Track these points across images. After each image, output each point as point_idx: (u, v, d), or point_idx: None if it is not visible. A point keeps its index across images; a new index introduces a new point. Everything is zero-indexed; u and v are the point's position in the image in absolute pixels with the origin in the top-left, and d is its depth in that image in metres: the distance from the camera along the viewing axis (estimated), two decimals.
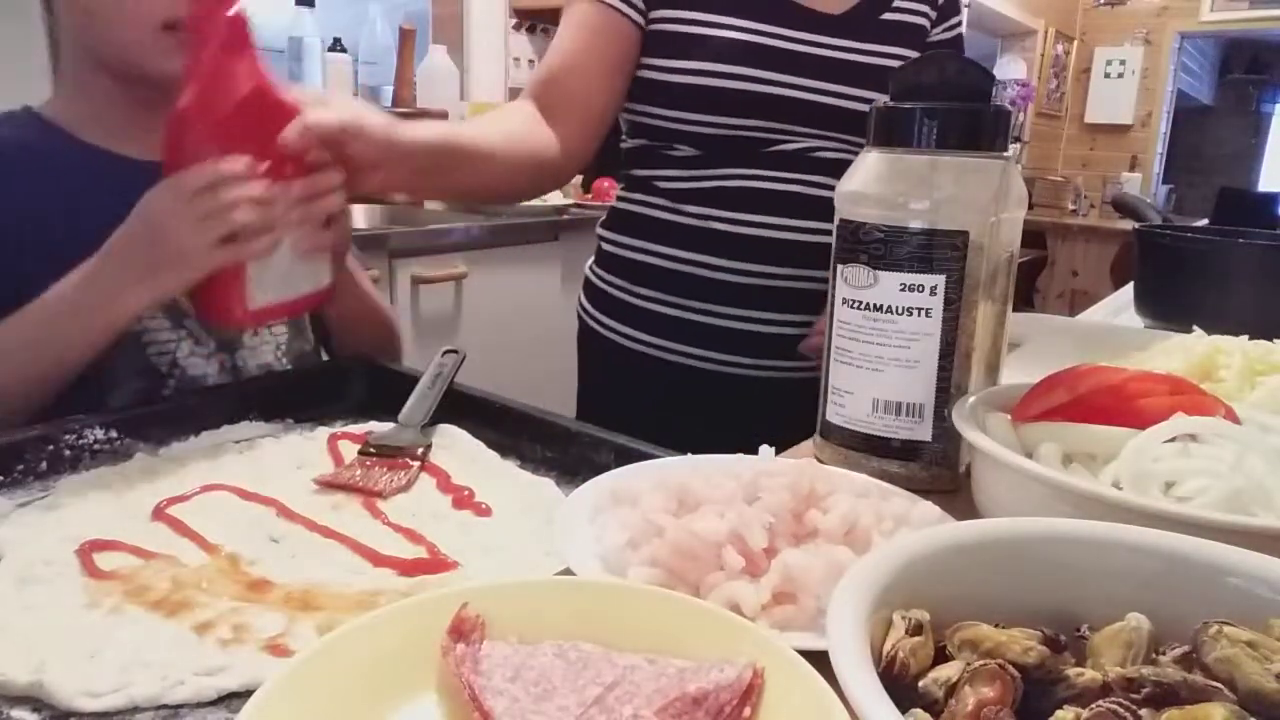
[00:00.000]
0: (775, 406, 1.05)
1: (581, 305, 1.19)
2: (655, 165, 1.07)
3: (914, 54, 1.04)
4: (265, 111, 0.71)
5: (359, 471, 0.67)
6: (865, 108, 1.00)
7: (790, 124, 1.00)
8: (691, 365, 1.07)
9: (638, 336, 1.10)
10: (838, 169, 1.01)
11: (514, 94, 2.99)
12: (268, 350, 0.91)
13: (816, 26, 1.00)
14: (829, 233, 1.02)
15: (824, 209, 1.01)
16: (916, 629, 0.33)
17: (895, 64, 1.02)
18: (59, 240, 0.77)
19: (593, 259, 1.18)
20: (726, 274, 1.03)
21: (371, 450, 0.70)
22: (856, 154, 1.01)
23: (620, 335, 1.11)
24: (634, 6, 1.01)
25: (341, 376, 0.85)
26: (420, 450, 0.70)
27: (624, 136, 1.13)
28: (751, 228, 1.02)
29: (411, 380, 0.80)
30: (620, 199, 1.14)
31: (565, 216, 2.36)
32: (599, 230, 1.17)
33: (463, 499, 0.64)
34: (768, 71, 0.98)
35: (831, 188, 1.01)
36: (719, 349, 1.06)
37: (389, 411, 0.77)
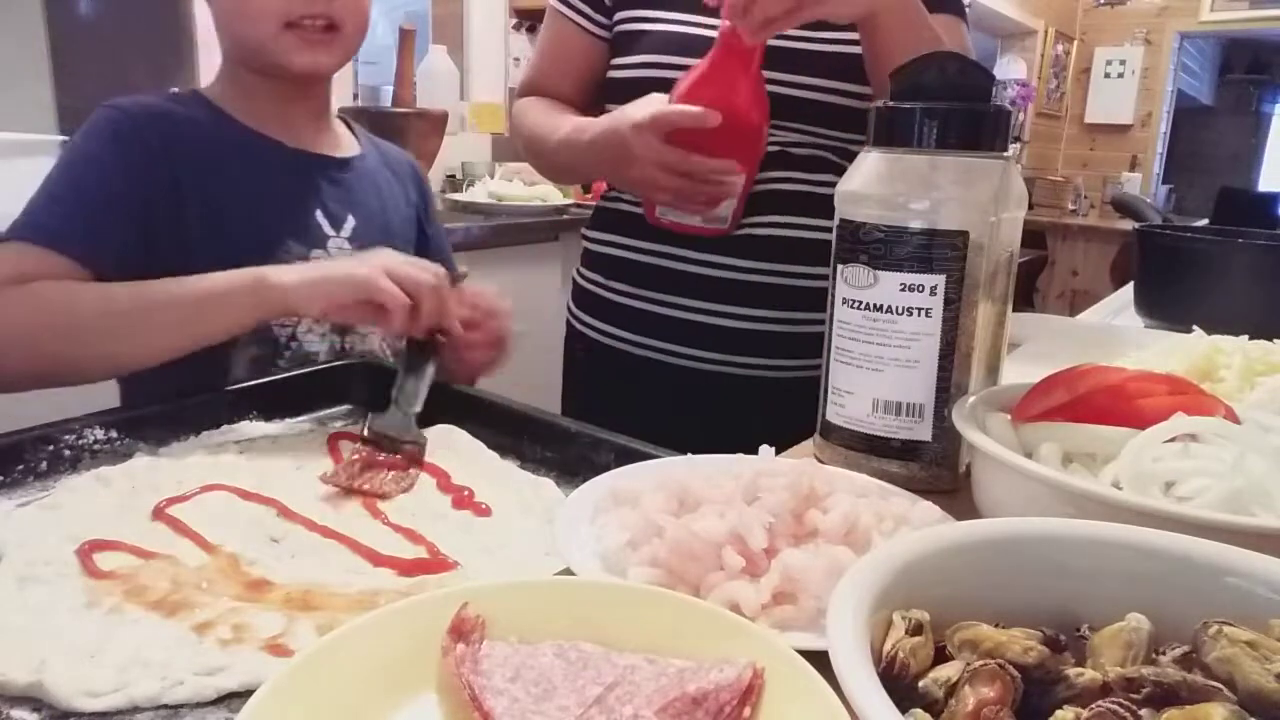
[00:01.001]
0: (750, 403, 1.05)
1: (568, 307, 1.20)
2: None
3: None
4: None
5: (359, 469, 0.66)
6: (822, 96, 1.00)
7: None
8: (664, 361, 1.07)
9: (614, 332, 1.10)
10: (804, 163, 1.01)
11: (514, 94, 2.99)
12: (374, 339, 0.97)
13: None
14: (797, 226, 1.02)
15: (789, 203, 1.00)
16: (916, 629, 0.33)
17: (855, 48, 0.98)
18: (215, 212, 0.86)
19: (579, 260, 1.19)
20: (695, 267, 1.03)
21: (369, 438, 0.70)
22: (821, 144, 1.02)
23: (599, 332, 1.12)
24: (591, 19, 1.07)
25: (341, 376, 0.85)
26: (419, 448, 0.70)
27: None
28: None
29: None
30: (603, 197, 1.15)
31: (565, 216, 2.36)
32: (583, 231, 1.19)
33: (463, 499, 0.64)
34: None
35: (798, 180, 1.01)
36: (689, 344, 1.06)
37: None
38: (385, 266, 0.76)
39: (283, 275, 0.77)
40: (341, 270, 0.77)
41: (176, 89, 0.95)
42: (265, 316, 0.79)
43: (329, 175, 0.98)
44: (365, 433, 0.71)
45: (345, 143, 1.03)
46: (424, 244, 1.09)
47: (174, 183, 0.86)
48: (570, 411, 1.19)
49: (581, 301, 1.16)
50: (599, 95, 1.10)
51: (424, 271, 0.78)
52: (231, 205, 0.89)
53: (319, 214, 0.95)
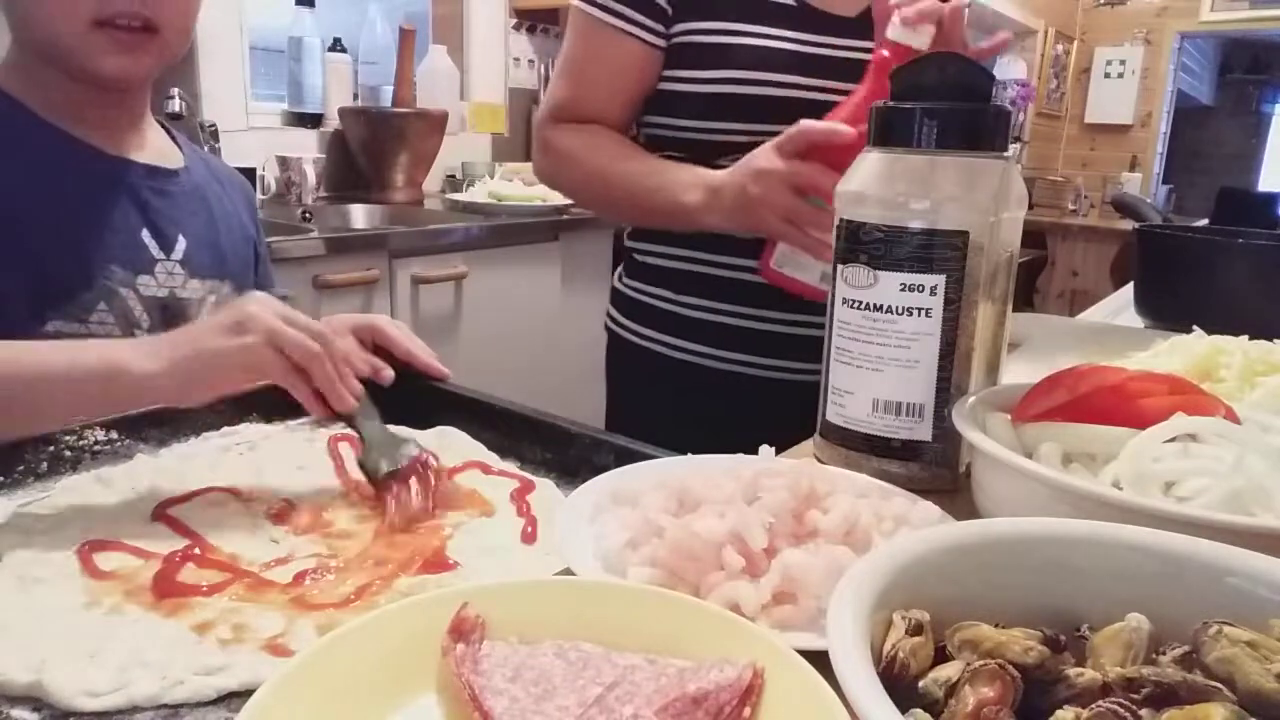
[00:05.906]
0: (805, 406, 1.02)
1: (611, 317, 1.18)
2: None
3: None
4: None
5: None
6: None
7: None
8: (733, 370, 1.06)
9: (677, 344, 1.09)
10: None
11: (514, 94, 3.00)
12: None
13: (832, 29, 1.01)
14: None
15: None
16: (916, 629, 0.33)
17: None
18: (8, 226, 0.74)
19: (621, 270, 1.17)
20: (745, 274, 1.02)
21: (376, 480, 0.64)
22: None
23: (659, 344, 1.10)
24: (651, 30, 1.01)
25: None
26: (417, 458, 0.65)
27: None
28: None
29: (412, 379, 0.80)
30: None
31: (565, 216, 2.36)
32: (628, 242, 1.16)
33: (463, 499, 0.64)
34: (787, 75, 0.98)
35: None
36: (760, 353, 1.05)
37: (389, 413, 0.77)
38: (269, 334, 0.63)
39: (144, 362, 0.64)
40: (212, 347, 0.64)
41: None
42: (113, 409, 0.66)
43: (155, 187, 0.85)
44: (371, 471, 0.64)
45: (167, 152, 0.91)
46: (255, 270, 0.99)
47: None
48: (617, 422, 1.16)
49: (632, 313, 1.13)
50: (657, 108, 1.05)
51: (310, 336, 0.65)
52: (38, 220, 0.75)
53: (146, 233, 0.83)
